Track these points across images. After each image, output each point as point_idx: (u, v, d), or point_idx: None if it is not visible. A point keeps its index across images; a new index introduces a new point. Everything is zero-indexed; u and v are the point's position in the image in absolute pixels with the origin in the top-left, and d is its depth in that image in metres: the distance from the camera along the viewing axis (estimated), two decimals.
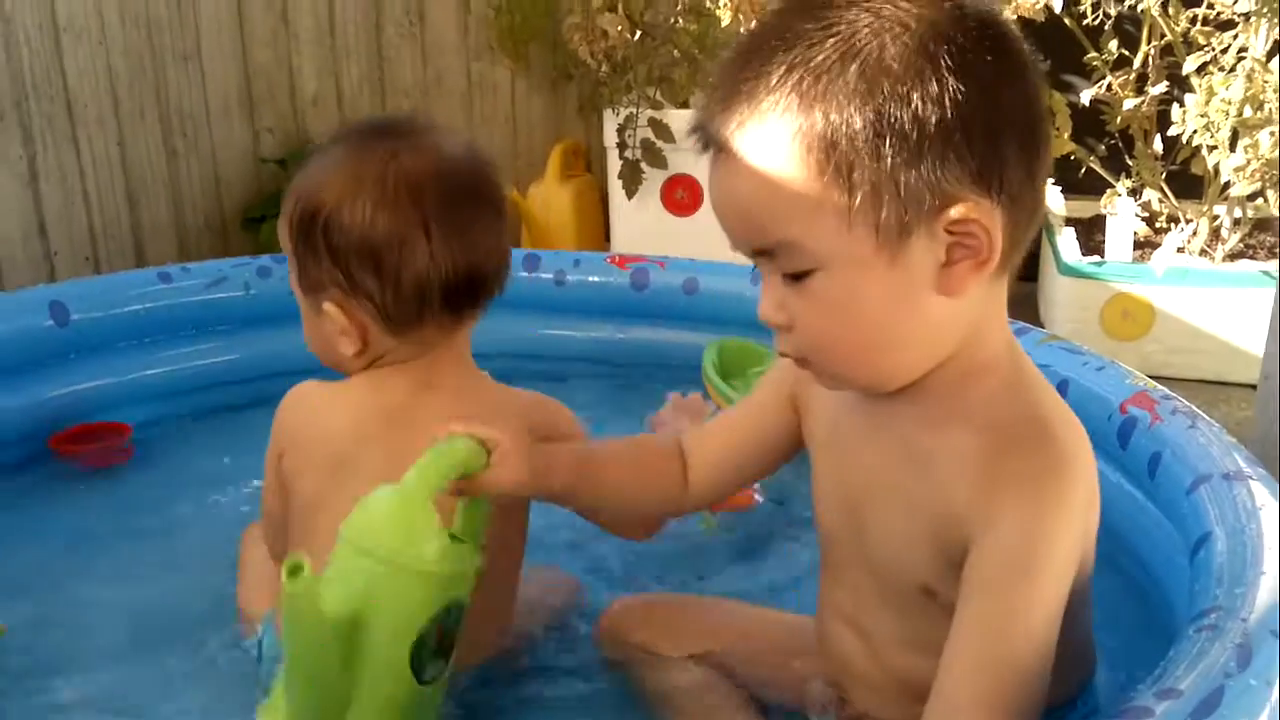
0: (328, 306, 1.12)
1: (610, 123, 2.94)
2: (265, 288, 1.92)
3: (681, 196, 2.99)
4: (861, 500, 0.95)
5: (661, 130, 2.88)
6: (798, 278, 0.85)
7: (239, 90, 2.95)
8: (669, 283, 2.00)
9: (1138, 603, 1.19)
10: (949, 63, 0.79)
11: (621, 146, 2.92)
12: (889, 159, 0.79)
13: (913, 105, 0.78)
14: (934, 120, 0.78)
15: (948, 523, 0.87)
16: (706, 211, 3.12)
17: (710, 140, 0.86)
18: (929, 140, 0.79)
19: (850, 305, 0.84)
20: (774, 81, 0.80)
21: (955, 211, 0.80)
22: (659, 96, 2.94)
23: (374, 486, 0.94)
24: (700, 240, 2.86)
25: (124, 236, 2.73)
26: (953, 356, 0.88)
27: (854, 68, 0.78)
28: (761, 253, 0.86)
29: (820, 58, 0.79)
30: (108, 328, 1.80)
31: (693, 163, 2.91)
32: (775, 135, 0.81)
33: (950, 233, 0.81)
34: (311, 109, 3.10)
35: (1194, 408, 1.23)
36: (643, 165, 2.92)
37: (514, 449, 0.96)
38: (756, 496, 1.55)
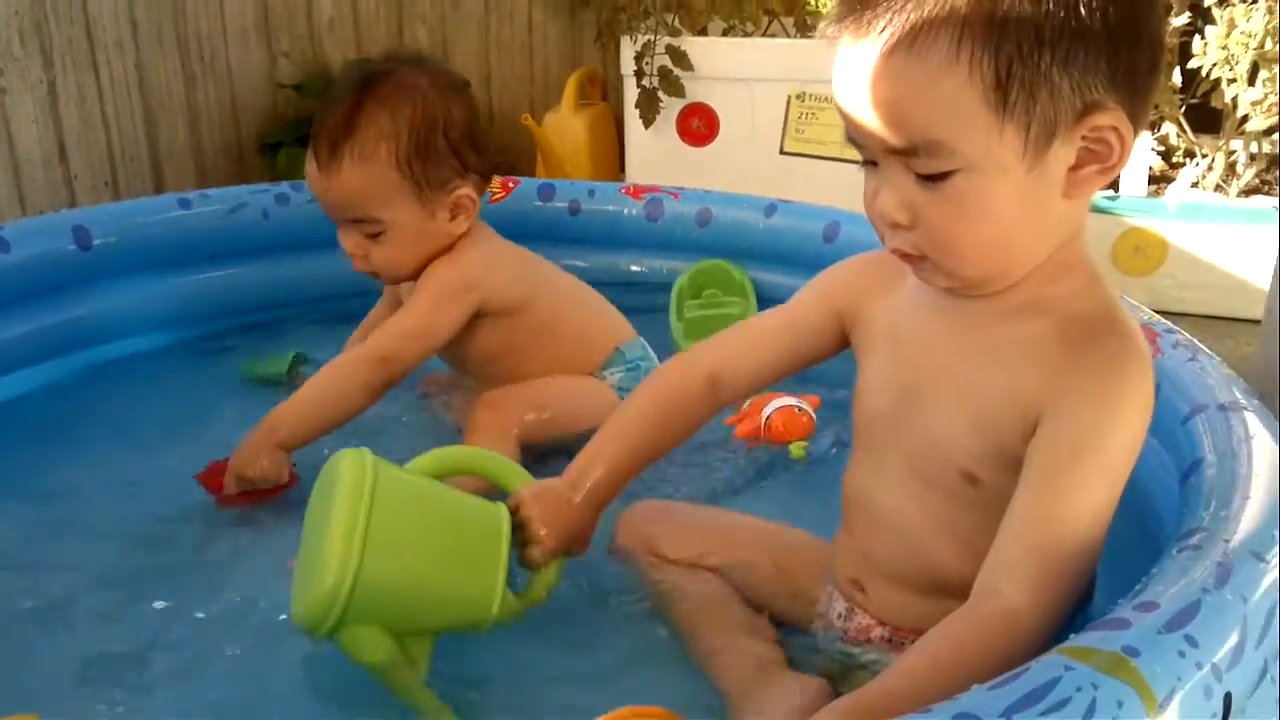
0: (459, 193, 1.48)
1: (627, 50, 2.93)
2: (284, 215, 1.94)
3: (698, 126, 2.98)
4: (918, 387, 0.98)
5: (679, 58, 2.87)
6: (933, 178, 0.85)
7: (256, 14, 2.95)
8: (683, 213, 2.01)
9: (1132, 528, 1.21)
10: None
11: (639, 75, 2.92)
12: (1049, 61, 0.80)
13: (1078, 7, 0.80)
14: (1095, 24, 0.80)
15: (1015, 404, 0.90)
16: (722, 142, 3.14)
17: (856, 34, 0.85)
18: (1087, 44, 0.81)
19: (985, 207, 0.85)
20: None
21: (1099, 117, 0.83)
22: (677, 24, 2.92)
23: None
24: (715, 171, 2.88)
25: (142, 160, 2.76)
26: (1049, 255, 0.91)
27: None
28: (897, 152, 0.86)
29: None
30: (129, 252, 1.82)
31: (710, 92, 2.93)
32: (940, 37, 0.81)
33: (1085, 138, 0.84)
34: (329, 34, 3.10)
35: (1195, 341, 1.25)
36: (659, 94, 2.92)
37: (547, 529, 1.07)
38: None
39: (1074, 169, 0.86)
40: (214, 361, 1.85)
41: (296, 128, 2.96)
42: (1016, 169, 0.84)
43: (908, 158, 0.85)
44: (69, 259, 1.75)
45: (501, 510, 1.06)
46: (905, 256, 0.92)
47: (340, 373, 1.43)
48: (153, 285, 1.85)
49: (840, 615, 1.08)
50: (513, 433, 1.47)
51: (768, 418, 1.55)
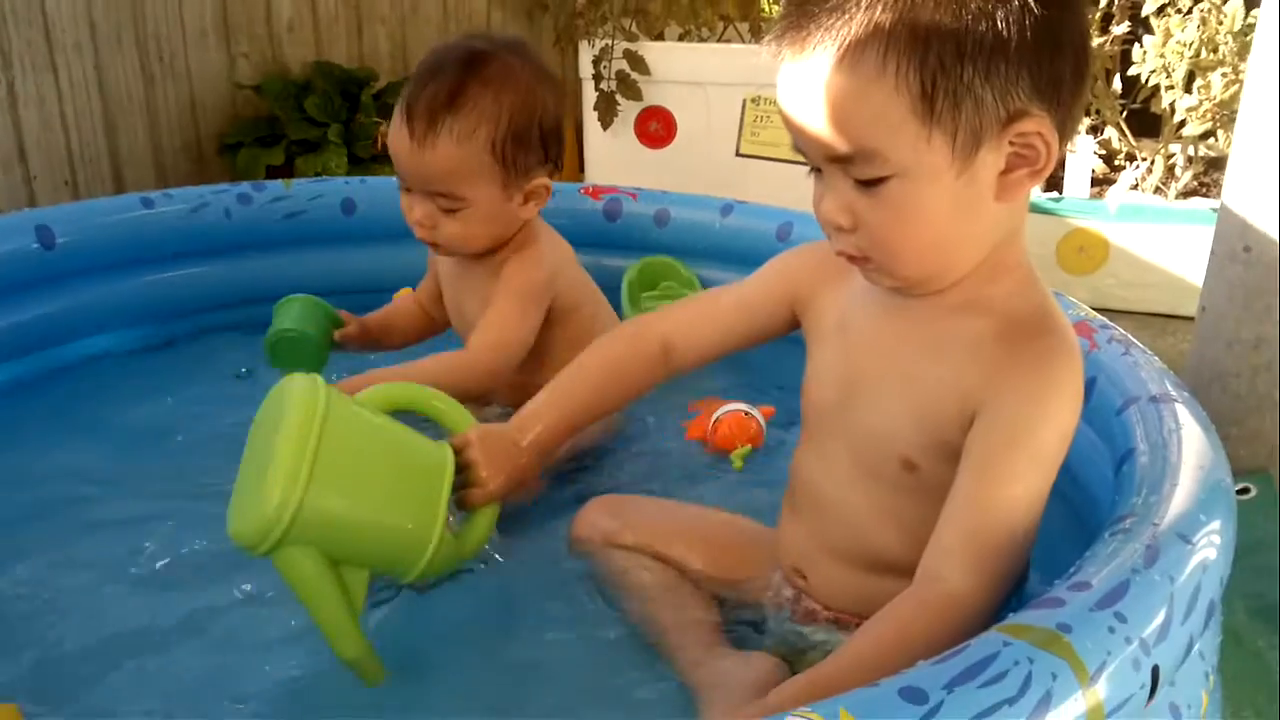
0: (537, 181, 1.49)
1: (586, 54, 2.97)
2: (246, 214, 1.95)
3: (655, 128, 3.03)
4: (861, 377, 1.03)
5: (636, 62, 2.91)
6: (870, 184, 0.90)
7: (215, 15, 2.95)
8: (641, 213, 2.05)
9: (1068, 514, 1.27)
10: None
11: (597, 78, 2.95)
12: (971, 73, 0.86)
13: (996, 22, 0.85)
14: (1014, 37, 0.85)
15: (955, 397, 0.95)
16: (679, 144, 3.17)
17: (794, 51, 0.90)
18: (1008, 56, 0.86)
19: (919, 211, 0.90)
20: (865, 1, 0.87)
21: (1024, 124, 0.88)
22: (634, 29, 2.97)
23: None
24: (672, 172, 2.92)
25: (102, 161, 2.75)
26: (986, 255, 0.96)
27: None
28: (837, 159, 0.91)
29: None
30: (92, 251, 1.83)
31: (667, 95, 2.98)
32: (866, 50, 0.86)
33: (1013, 144, 0.89)
34: (287, 35, 3.10)
35: (1129, 336, 1.31)
36: (617, 97, 2.96)
37: (489, 470, 1.09)
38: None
39: (1004, 173, 0.91)
40: (177, 359, 1.86)
41: (255, 128, 2.97)
42: (947, 174, 0.89)
43: (846, 165, 0.91)
44: (32, 258, 1.76)
45: (446, 450, 1.07)
46: (851, 258, 0.97)
47: (453, 365, 1.43)
48: (116, 284, 1.86)
49: (788, 600, 1.13)
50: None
51: (715, 421, 1.54)
